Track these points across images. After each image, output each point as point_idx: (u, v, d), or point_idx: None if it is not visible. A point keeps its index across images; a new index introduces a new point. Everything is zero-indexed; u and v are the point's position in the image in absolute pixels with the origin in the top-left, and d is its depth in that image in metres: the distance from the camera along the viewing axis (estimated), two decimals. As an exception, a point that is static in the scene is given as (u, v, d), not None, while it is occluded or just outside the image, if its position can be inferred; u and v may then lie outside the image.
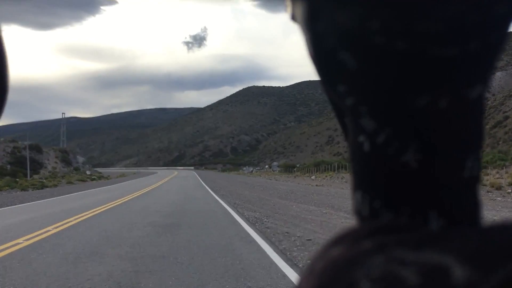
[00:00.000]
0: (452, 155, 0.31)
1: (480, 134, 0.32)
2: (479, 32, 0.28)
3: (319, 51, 0.32)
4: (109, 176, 70.57)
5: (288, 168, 74.64)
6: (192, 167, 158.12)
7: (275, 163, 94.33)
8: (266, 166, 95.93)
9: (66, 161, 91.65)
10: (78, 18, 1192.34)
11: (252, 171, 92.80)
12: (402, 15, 0.27)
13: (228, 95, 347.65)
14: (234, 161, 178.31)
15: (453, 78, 0.29)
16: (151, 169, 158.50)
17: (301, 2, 0.31)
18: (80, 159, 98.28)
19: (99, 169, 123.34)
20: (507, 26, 0.29)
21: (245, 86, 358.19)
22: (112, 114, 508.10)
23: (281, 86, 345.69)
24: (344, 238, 0.31)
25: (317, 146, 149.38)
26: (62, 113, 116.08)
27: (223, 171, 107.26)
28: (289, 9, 0.34)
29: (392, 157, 0.31)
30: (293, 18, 0.33)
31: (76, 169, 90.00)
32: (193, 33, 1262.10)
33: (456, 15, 0.27)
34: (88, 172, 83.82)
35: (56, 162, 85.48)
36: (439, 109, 0.29)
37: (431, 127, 0.30)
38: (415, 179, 0.31)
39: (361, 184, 0.34)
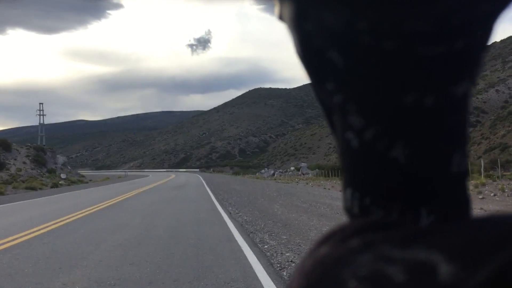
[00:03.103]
0: (439, 150, 0.30)
1: (466, 130, 0.31)
2: (464, 30, 0.27)
3: (307, 50, 0.31)
4: (90, 180, 54.73)
5: (338, 171, 48.29)
6: (198, 169, 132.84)
7: (303, 164, 68.77)
8: (292, 168, 70.26)
9: (39, 161, 66.90)
10: (83, 22, 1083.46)
11: (273, 174, 67.00)
12: (389, 15, 0.26)
13: (233, 98, 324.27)
14: (243, 163, 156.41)
15: (440, 75, 0.28)
16: (147, 171, 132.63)
17: (288, 2, 0.30)
18: (61, 159, 73.48)
19: (94, 171, 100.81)
20: (492, 25, 0.28)
21: (250, 89, 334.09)
22: (119, 117, 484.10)
23: (287, 88, 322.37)
24: (332, 236, 0.30)
25: (330, 147, 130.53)
26: (40, 103, 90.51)
27: (235, 174, 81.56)
28: (277, 9, 0.32)
29: (380, 153, 0.30)
30: (281, 18, 0.32)
31: (50, 171, 65.24)
32: (198, 35, 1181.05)
33: (442, 14, 0.26)
34: (63, 176, 60.11)
35: (24, 163, 61.65)
36: (426, 106, 0.29)
37: (419, 124, 0.29)
38: (403, 175, 0.30)
39: (350, 181, 0.33)
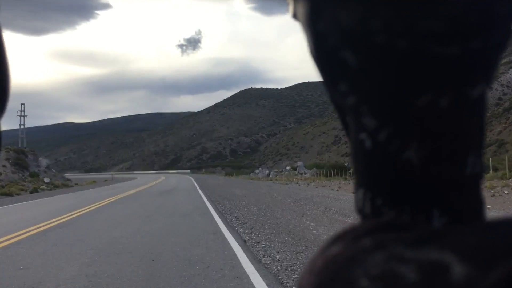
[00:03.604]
0: (454, 152, 0.29)
1: (482, 132, 0.30)
2: (480, 31, 0.26)
3: (321, 49, 0.30)
4: (76, 184, 50.69)
5: (339, 170, 44.26)
6: (189, 171, 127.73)
7: (300, 163, 64.50)
8: (288, 168, 65.92)
9: (20, 165, 61.89)
10: (71, 22, 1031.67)
11: (269, 174, 62.76)
12: (403, 14, 0.26)
13: (224, 98, 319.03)
14: (234, 163, 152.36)
15: (455, 77, 0.27)
16: (136, 173, 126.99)
17: (302, 1, 0.30)
18: (44, 162, 69.09)
19: (83, 175, 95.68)
20: (508, 26, 0.28)
21: (241, 89, 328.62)
22: (108, 119, 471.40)
23: (279, 88, 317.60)
24: (344, 236, 0.30)
25: (323, 146, 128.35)
26: (21, 104, 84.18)
27: (228, 175, 76.86)
28: (291, 7, 0.32)
29: (394, 155, 0.30)
30: (295, 16, 0.32)
31: (33, 174, 60.68)
32: (187, 36, 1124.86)
33: (457, 14, 0.26)
34: (46, 180, 56.01)
35: (4, 166, 56.65)
36: (441, 108, 0.28)
37: (433, 125, 0.28)
38: (416, 177, 0.30)
39: (363, 182, 0.32)
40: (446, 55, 0.26)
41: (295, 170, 61.29)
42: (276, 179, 48.78)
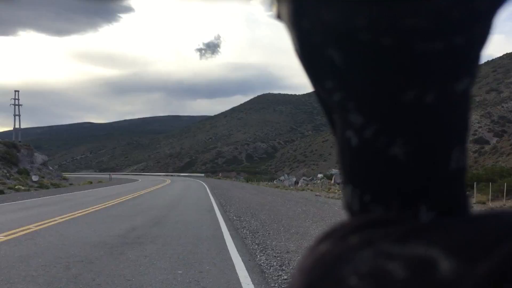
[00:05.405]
0: (439, 147, 0.29)
1: (466, 126, 0.30)
2: (463, 26, 0.26)
3: (306, 48, 0.30)
4: (71, 184, 45.31)
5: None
6: (203, 174, 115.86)
7: (335, 171, 51.90)
8: (320, 175, 53.40)
9: (9, 159, 50.71)
10: (94, 24, 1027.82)
11: (297, 182, 50.19)
12: (388, 12, 0.26)
13: (241, 103, 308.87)
14: (250, 168, 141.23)
15: (440, 72, 0.27)
16: (144, 174, 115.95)
17: (286, 2, 0.29)
18: (40, 158, 58.86)
19: (96, 173, 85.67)
20: (490, 21, 0.27)
21: (258, 95, 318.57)
22: (126, 120, 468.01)
23: (297, 94, 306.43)
24: (332, 234, 0.29)
25: None
26: (15, 91, 72.88)
27: (248, 180, 64.41)
28: (275, 8, 0.31)
29: (380, 151, 0.29)
30: (279, 17, 0.31)
31: (22, 171, 49.68)
32: (207, 40, 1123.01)
33: (439, 10, 0.25)
34: (34, 178, 46.35)
35: (-11, 161, 46.10)
36: (426, 103, 0.28)
37: (418, 121, 0.28)
38: (403, 172, 0.29)
39: (350, 179, 0.32)
40: (430, 51, 0.26)
41: (330, 179, 48.74)
42: (311, 189, 36.43)
